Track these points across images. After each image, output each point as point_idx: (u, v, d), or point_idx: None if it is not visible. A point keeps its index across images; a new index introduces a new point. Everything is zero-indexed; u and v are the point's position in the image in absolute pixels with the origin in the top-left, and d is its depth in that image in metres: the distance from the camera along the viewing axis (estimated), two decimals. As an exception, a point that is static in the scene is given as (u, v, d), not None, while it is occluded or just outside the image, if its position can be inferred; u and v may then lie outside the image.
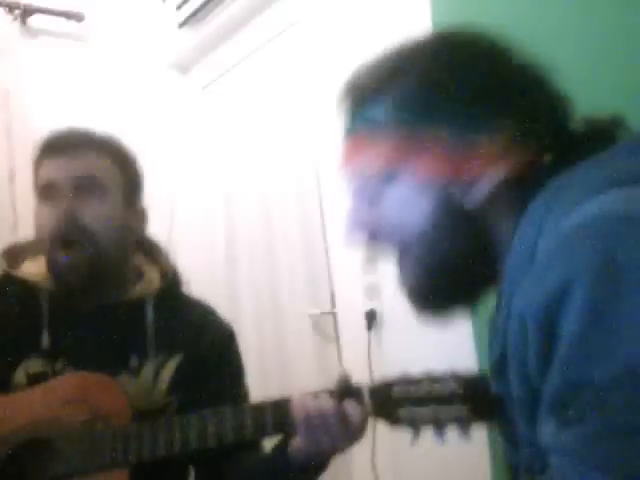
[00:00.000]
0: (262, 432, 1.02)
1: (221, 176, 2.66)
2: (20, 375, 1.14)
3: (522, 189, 0.71)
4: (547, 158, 0.73)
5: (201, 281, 2.63)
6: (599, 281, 0.54)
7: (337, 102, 0.80)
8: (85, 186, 1.16)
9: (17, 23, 2.56)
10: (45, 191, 1.17)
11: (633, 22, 1.23)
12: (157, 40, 2.72)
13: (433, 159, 0.73)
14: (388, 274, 1.96)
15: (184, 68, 2.80)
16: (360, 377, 1.03)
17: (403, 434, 0.94)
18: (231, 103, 2.62)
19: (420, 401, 0.93)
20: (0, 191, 2.39)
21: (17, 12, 2.55)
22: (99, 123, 1.27)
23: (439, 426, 0.92)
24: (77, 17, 2.69)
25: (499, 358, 0.67)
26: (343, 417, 0.96)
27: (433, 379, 0.94)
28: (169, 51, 2.75)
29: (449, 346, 1.57)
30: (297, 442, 0.99)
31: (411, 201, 0.74)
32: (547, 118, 0.73)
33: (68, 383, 1.12)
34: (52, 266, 1.17)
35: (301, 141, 2.26)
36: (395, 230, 0.76)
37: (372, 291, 1.84)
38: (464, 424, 0.91)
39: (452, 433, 0.92)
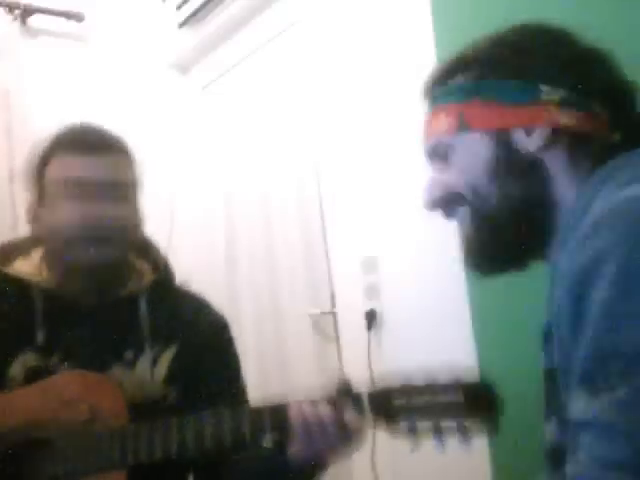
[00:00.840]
0: (260, 435, 1.01)
1: (221, 176, 2.66)
2: (15, 370, 1.14)
3: (586, 155, 0.76)
4: (616, 137, 0.78)
5: (201, 282, 2.61)
6: (633, 253, 0.57)
7: (424, 84, 0.87)
8: (113, 188, 1.17)
9: (17, 23, 2.55)
10: (72, 188, 1.16)
11: (633, 22, 1.23)
12: (157, 40, 2.72)
13: (495, 110, 0.79)
14: (388, 274, 1.97)
15: (184, 68, 2.80)
16: (360, 377, 1.03)
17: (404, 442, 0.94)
18: (231, 103, 2.62)
19: (421, 409, 0.93)
20: (0, 191, 2.39)
21: (17, 12, 2.55)
22: (99, 123, 1.27)
23: (439, 434, 0.92)
24: (77, 17, 2.69)
25: (546, 325, 0.70)
26: (341, 425, 0.96)
27: (434, 386, 0.93)
28: (169, 51, 2.75)
29: (449, 346, 1.57)
30: (295, 447, 0.99)
31: (477, 148, 0.80)
32: (617, 99, 0.79)
33: (66, 382, 1.12)
34: (71, 264, 1.16)
35: (301, 141, 2.26)
36: (464, 178, 0.81)
37: (372, 291, 1.84)
38: (465, 433, 0.91)
39: (452, 440, 0.92)
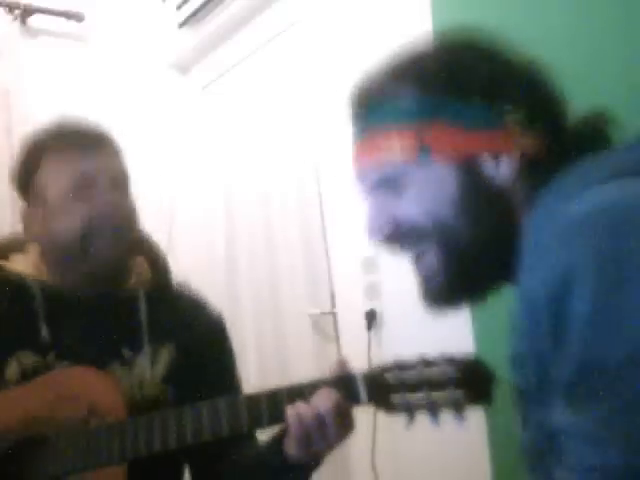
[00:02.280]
0: (257, 425, 1.02)
1: (221, 176, 2.66)
2: (12, 368, 1.13)
3: (542, 180, 0.71)
4: (549, 154, 0.74)
5: (201, 281, 2.62)
6: (606, 265, 0.56)
7: (349, 103, 0.80)
8: (114, 181, 1.18)
9: (17, 23, 2.55)
10: (76, 185, 1.15)
11: (633, 22, 1.23)
12: (157, 40, 2.72)
13: (460, 134, 0.73)
14: (388, 274, 1.96)
15: (184, 68, 2.80)
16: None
17: (403, 436, 0.95)
18: (231, 103, 2.62)
19: (414, 386, 0.93)
20: (0, 191, 2.39)
21: (17, 12, 2.55)
22: (98, 123, 1.26)
23: (434, 410, 0.92)
24: (77, 17, 2.69)
25: (513, 350, 0.69)
26: (340, 420, 0.96)
27: (427, 363, 0.95)
28: (169, 51, 2.75)
29: (449, 346, 1.57)
30: (291, 446, 0.99)
31: (441, 179, 0.74)
32: (550, 104, 0.75)
33: (64, 378, 1.12)
34: (81, 263, 1.15)
35: (301, 141, 2.26)
36: (426, 214, 0.75)
37: (372, 291, 1.85)
38: (459, 408, 0.92)
39: (449, 427, 0.92)
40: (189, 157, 2.77)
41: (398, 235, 0.77)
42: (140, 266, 1.25)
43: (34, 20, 2.62)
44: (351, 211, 1.90)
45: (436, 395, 0.92)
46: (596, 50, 1.28)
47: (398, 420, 0.95)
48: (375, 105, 0.77)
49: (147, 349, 1.18)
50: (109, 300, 1.20)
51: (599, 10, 1.29)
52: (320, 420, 0.95)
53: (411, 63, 0.76)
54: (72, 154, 1.17)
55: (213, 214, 2.69)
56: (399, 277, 1.79)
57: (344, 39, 1.90)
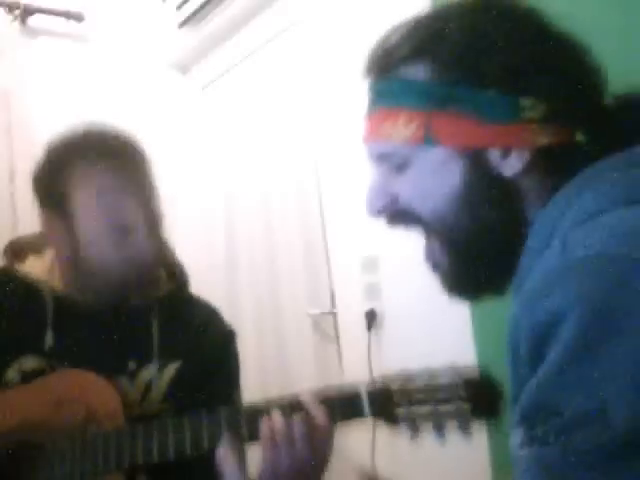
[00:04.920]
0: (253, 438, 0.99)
1: (221, 176, 2.66)
2: (13, 373, 1.12)
3: (556, 168, 0.68)
4: (580, 137, 0.70)
5: (201, 281, 2.62)
6: (593, 318, 0.54)
7: (364, 67, 0.77)
8: (153, 223, 1.16)
9: (17, 23, 2.56)
10: (117, 229, 1.10)
11: (631, 22, 1.23)
12: (157, 40, 2.72)
13: (471, 125, 0.68)
14: (388, 274, 1.96)
15: (184, 68, 2.80)
16: (360, 377, 1.02)
17: (403, 437, 0.94)
18: (231, 103, 2.62)
19: (420, 400, 0.92)
20: (0, 191, 2.39)
21: (17, 12, 2.55)
22: (106, 125, 1.24)
23: (439, 425, 0.92)
24: (77, 17, 2.70)
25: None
26: (313, 439, 0.93)
27: (433, 377, 0.93)
28: (169, 51, 2.75)
29: (449, 346, 1.57)
30: (262, 465, 0.95)
31: (444, 167, 0.70)
32: (582, 92, 0.69)
33: (62, 382, 1.10)
34: (103, 285, 1.13)
35: (301, 141, 2.26)
36: (424, 201, 0.72)
37: (372, 291, 1.84)
38: (464, 422, 0.91)
39: (453, 433, 0.92)
40: (189, 157, 2.77)
41: (393, 213, 0.75)
42: (157, 275, 1.23)
43: (34, 20, 2.62)
44: (351, 211, 1.90)
45: (441, 409, 0.91)
46: (597, 47, 1.28)
47: (402, 433, 0.93)
48: (388, 79, 0.74)
49: (154, 364, 1.15)
50: (121, 311, 1.17)
51: (606, 5, 1.29)
52: (289, 431, 0.92)
53: (430, 38, 0.72)
54: (103, 177, 1.11)
55: (213, 214, 2.69)
56: (399, 277, 1.80)
57: (344, 39, 1.90)
